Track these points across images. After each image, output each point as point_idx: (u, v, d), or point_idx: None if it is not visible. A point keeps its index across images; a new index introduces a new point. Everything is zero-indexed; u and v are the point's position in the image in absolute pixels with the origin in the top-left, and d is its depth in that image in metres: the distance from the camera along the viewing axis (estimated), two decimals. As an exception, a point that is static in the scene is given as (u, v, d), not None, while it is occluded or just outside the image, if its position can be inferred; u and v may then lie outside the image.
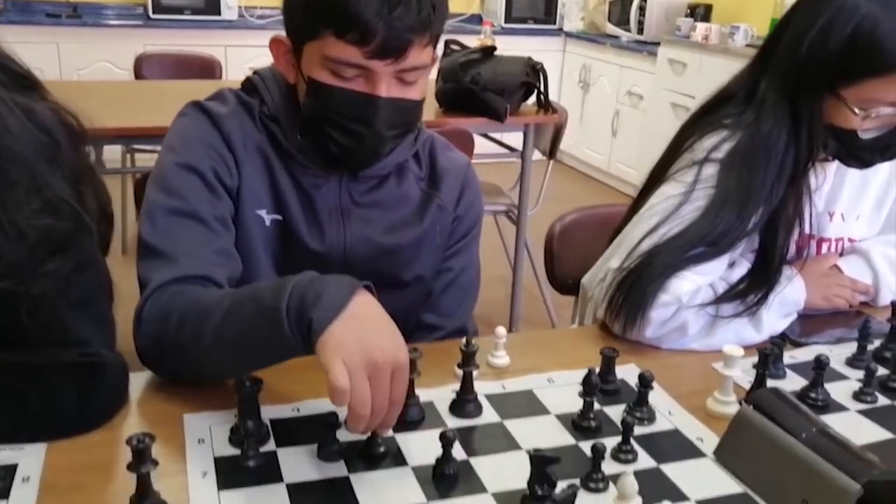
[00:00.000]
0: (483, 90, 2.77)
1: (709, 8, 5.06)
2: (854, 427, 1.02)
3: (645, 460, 0.93)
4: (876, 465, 0.82)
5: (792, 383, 1.12)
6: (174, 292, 1.01)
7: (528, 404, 1.04)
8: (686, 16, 5.01)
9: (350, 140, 1.11)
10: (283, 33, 1.13)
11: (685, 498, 0.87)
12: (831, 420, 0.97)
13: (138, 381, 1.03)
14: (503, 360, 1.13)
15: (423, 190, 1.27)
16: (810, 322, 1.31)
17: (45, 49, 4.54)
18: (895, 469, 0.82)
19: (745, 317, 1.22)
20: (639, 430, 0.98)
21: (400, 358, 0.85)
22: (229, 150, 1.15)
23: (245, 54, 4.64)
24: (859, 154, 1.29)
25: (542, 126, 3.16)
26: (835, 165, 1.38)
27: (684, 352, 1.22)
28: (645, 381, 1.00)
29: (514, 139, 3.22)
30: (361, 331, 0.84)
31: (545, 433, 0.98)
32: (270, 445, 0.91)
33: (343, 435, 0.89)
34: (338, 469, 0.88)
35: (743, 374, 1.10)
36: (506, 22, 5.61)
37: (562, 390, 1.07)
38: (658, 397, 1.06)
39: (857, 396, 1.10)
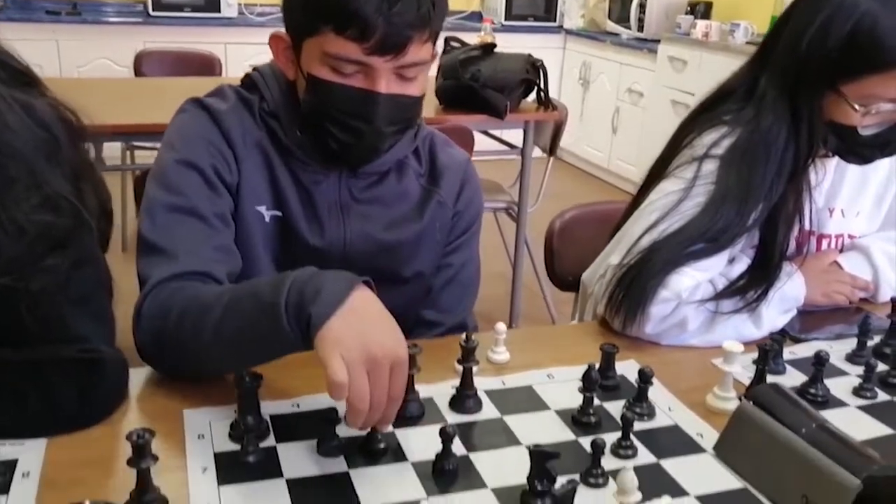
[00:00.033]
0: (483, 87, 2.77)
1: (709, 5, 5.06)
2: (854, 423, 1.02)
3: (645, 456, 0.93)
4: (875, 460, 0.82)
5: (792, 379, 1.12)
6: (174, 289, 1.01)
7: (527, 400, 1.04)
8: (686, 13, 5.01)
9: (350, 136, 1.11)
10: (282, 30, 1.13)
11: (685, 493, 0.87)
12: (831, 416, 0.97)
13: (138, 377, 1.03)
14: (503, 356, 1.13)
15: (422, 186, 1.27)
16: (810, 318, 1.31)
17: (45, 46, 4.55)
18: (895, 464, 0.82)
19: (745, 313, 1.22)
20: (638, 426, 0.98)
21: (399, 353, 0.85)
22: (229, 146, 1.15)
23: (245, 51, 4.64)
24: (859, 150, 1.29)
25: (543, 123, 3.16)
26: (835, 161, 1.38)
27: (684, 348, 1.22)
28: (645, 377, 1.00)
29: (514, 136, 3.22)
30: (360, 326, 0.84)
31: (545, 429, 0.98)
32: (270, 441, 0.91)
33: (343, 430, 0.89)
34: (338, 464, 0.88)
35: (743, 369, 1.10)
36: (506, 19, 5.62)
37: (562, 386, 1.07)
38: (658, 393, 1.06)
39: (857, 392, 1.10)
